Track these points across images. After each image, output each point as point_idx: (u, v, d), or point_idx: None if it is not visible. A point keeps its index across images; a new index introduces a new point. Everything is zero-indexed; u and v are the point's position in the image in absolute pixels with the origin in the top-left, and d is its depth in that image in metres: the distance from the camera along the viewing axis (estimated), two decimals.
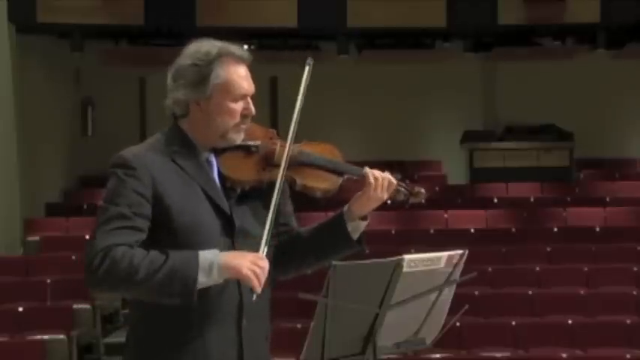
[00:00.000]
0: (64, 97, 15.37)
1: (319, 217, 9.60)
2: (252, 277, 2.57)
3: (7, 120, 12.59)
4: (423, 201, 2.96)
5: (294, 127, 2.78)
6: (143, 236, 2.64)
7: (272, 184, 2.74)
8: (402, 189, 2.91)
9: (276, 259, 2.89)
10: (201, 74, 2.73)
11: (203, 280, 2.57)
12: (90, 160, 14.30)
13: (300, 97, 2.81)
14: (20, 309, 9.07)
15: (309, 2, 14.06)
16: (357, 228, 2.89)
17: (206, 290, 2.64)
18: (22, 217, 13.04)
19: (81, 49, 14.31)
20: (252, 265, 2.58)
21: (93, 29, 14.05)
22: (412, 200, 2.94)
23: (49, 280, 9.87)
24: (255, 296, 2.61)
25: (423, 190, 2.94)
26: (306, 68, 2.82)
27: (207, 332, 2.68)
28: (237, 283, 2.69)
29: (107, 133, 14.69)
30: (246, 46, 2.78)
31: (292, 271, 2.99)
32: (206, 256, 2.59)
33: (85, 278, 2.60)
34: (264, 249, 2.64)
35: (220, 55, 2.75)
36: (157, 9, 13.84)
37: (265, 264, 2.61)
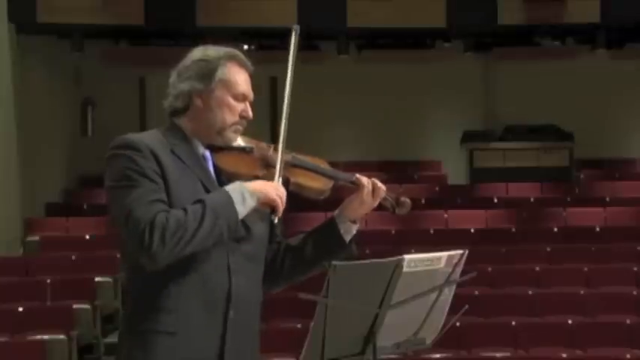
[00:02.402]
0: (64, 97, 15.38)
1: (319, 218, 9.61)
2: (279, 200, 2.72)
3: (8, 120, 12.59)
4: (409, 209, 3.00)
5: (288, 101, 2.87)
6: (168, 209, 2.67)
7: None
8: (389, 198, 2.98)
9: (267, 268, 2.94)
10: (208, 68, 2.83)
11: (241, 209, 2.68)
12: (90, 160, 14.29)
13: (290, 67, 2.89)
14: (20, 309, 9.06)
15: (309, 2, 14.06)
16: (348, 230, 2.95)
17: (197, 276, 2.68)
18: (22, 217, 13.04)
19: (81, 49, 14.31)
20: (277, 190, 2.73)
21: (93, 29, 14.05)
22: (397, 211, 3.00)
23: (49, 280, 9.87)
24: (277, 219, 2.76)
25: (408, 201, 2.99)
26: (293, 34, 2.90)
27: (193, 320, 2.69)
28: (227, 272, 2.73)
29: (107, 133, 14.51)
30: (246, 46, 2.84)
31: (283, 281, 3.02)
32: (234, 187, 2.70)
33: (143, 260, 2.60)
34: (278, 179, 2.76)
35: (228, 57, 2.87)
36: (157, 9, 13.84)
37: (284, 190, 2.75)
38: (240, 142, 2.90)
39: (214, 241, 2.67)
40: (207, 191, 2.76)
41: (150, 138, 2.79)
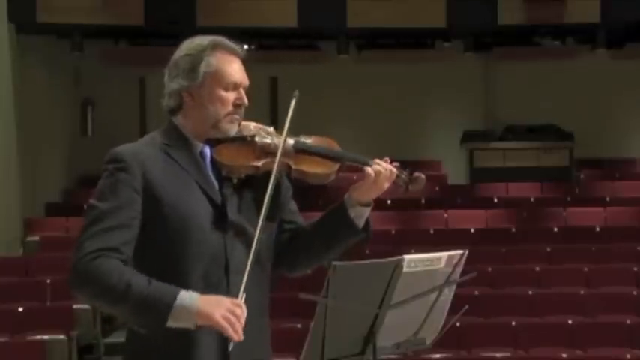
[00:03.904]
0: (64, 97, 15.38)
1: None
2: (226, 325, 2.51)
3: (8, 120, 12.59)
4: (423, 185, 2.89)
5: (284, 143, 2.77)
6: (132, 232, 2.64)
7: (268, 174, 2.72)
8: (402, 176, 2.86)
9: (281, 255, 2.89)
10: (193, 63, 2.77)
11: (171, 323, 2.54)
12: (90, 160, 14.25)
13: (286, 127, 2.79)
14: (20, 309, 9.07)
15: (309, 2, 14.07)
16: (360, 214, 2.83)
17: (197, 276, 2.65)
18: (22, 217, 13.05)
19: (81, 49, 14.31)
20: (227, 312, 2.52)
21: (93, 29, 14.05)
22: (412, 187, 2.88)
23: (49, 280, 9.86)
24: (232, 345, 2.56)
25: (422, 176, 2.87)
26: (293, 100, 2.81)
27: (193, 338, 2.65)
28: (224, 271, 2.69)
29: (107, 133, 14.67)
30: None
31: (300, 266, 2.95)
32: (183, 299, 2.54)
33: (69, 277, 2.60)
34: (242, 295, 2.58)
35: (212, 46, 2.80)
36: (157, 9, 13.84)
37: (242, 311, 2.54)
38: (242, 130, 2.81)
39: (132, 323, 2.65)
40: (204, 192, 2.73)
41: (142, 145, 2.76)
